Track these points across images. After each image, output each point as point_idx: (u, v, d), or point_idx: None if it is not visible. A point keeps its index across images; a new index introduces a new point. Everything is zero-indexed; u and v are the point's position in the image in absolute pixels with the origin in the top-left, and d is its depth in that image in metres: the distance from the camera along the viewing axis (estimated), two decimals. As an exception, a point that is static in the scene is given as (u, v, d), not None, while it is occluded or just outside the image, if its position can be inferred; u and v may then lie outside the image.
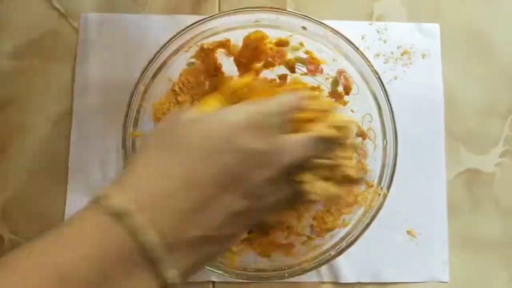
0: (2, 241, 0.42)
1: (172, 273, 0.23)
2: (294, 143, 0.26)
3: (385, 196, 0.35)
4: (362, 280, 0.43)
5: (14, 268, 0.21)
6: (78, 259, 0.21)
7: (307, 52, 0.40)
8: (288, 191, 0.27)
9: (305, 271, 0.35)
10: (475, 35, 0.47)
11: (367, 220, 0.35)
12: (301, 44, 0.39)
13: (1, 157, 0.43)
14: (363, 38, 0.46)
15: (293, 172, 0.27)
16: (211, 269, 0.34)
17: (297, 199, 0.28)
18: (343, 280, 0.42)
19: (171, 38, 0.37)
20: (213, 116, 0.26)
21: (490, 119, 0.46)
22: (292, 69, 0.40)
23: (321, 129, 0.28)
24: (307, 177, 0.27)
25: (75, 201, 0.42)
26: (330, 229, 0.37)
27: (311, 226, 0.40)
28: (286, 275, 0.35)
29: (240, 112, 0.26)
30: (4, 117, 0.44)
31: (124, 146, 0.35)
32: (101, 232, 0.22)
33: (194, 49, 0.38)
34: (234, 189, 0.25)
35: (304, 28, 0.37)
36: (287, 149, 0.26)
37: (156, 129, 0.28)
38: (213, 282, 0.42)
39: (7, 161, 0.43)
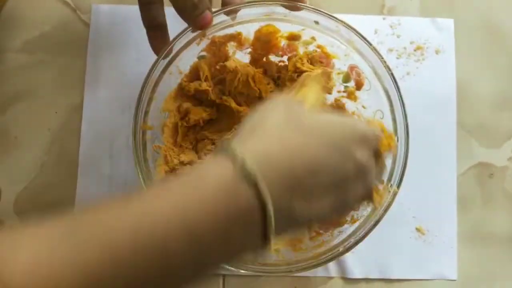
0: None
1: (273, 237, 0.25)
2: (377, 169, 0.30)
3: (395, 194, 0.35)
4: (370, 276, 0.43)
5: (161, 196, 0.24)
6: (204, 214, 0.23)
7: (318, 47, 0.39)
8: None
9: (313, 266, 0.35)
10: (489, 28, 0.46)
11: (376, 218, 0.34)
12: (313, 39, 0.39)
13: (13, 151, 0.44)
14: (376, 32, 0.45)
15: None
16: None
17: None
18: (351, 275, 0.42)
19: (183, 31, 0.37)
20: (334, 116, 0.30)
21: (503, 112, 0.46)
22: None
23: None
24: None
25: (85, 193, 0.43)
26: (338, 226, 0.37)
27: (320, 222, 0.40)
28: (294, 270, 0.35)
29: (358, 123, 0.30)
30: (16, 111, 0.44)
31: (134, 139, 0.35)
32: (230, 193, 0.24)
33: (205, 42, 0.38)
34: (337, 192, 0.27)
35: (316, 22, 0.37)
36: (372, 169, 0.29)
37: (274, 108, 0.29)
38: (223, 275, 0.42)
39: (19, 154, 0.44)
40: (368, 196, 0.30)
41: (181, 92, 0.39)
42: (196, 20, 0.35)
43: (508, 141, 0.45)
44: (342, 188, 0.27)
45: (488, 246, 0.44)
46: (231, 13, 0.36)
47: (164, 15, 0.38)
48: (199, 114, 0.39)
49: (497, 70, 0.46)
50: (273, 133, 0.26)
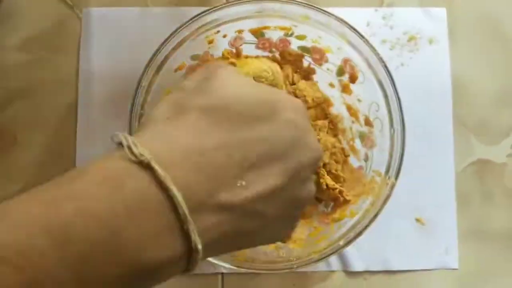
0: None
1: (197, 238, 0.20)
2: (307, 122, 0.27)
3: (393, 186, 0.35)
4: (371, 269, 0.43)
5: (8, 216, 0.19)
6: (82, 217, 0.18)
7: (311, 41, 0.39)
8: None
9: (313, 262, 0.35)
10: (486, 19, 0.46)
11: (375, 210, 0.34)
12: (306, 33, 0.39)
13: (11, 150, 0.44)
14: (368, 24, 0.45)
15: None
16: (217, 262, 0.34)
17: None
18: (352, 268, 0.42)
19: (175, 31, 0.36)
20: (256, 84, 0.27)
21: (502, 108, 0.45)
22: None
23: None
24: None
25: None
26: (338, 220, 0.37)
27: (319, 216, 0.40)
28: (295, 266, 0.35)
29: (284, 93, 0.28)
30: (14, 110, 0.44)
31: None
32: (120, 182, 0.20)
33: (196, 41, 0.38)
34: (277, 163, 0.23)
35: (308, 17, 0.37)
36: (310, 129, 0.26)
37: (190, 81, 0.26)
38: (222, 274, 0.42)
39: (16, 154, 0.44)
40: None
41: None
42: None
43: (507, 138, 0.45)
44: (285, 155, 0.23)
45: (487, 243, 0.44)
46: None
47: None
48: None
49: (495, 65, 0.46)
50: (184, 118, 0.23)
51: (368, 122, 0.39)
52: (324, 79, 0.41)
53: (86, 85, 0.44)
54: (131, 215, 0.19)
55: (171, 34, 0.36)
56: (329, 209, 0.40)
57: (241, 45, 0.40)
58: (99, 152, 0.43)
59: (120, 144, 0.21)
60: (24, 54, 0.45)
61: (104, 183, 0.20)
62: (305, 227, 0.39)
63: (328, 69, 0.40)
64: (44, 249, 0.17)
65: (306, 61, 0.40)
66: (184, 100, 0.24)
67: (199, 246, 0.20)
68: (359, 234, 0.35)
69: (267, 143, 0.23)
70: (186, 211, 0.20)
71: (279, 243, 0.37)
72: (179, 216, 0.20)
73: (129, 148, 0.20)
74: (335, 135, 0.41)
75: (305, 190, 0.25)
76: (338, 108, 0.41)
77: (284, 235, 0.27)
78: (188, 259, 0.21)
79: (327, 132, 0.40)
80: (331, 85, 0.40)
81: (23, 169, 0.43)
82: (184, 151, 0.21)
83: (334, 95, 0.41)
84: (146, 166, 0.20)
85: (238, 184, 0.21)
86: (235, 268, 0.36)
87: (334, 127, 0.41)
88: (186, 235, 0.20)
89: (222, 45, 0.39)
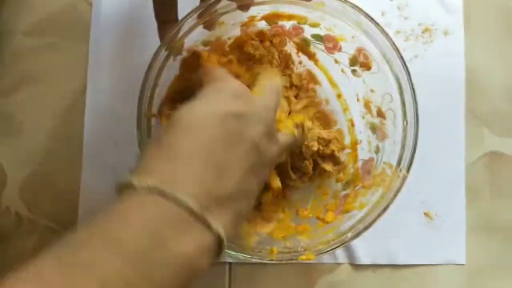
0: (21, 220, 0.43)
1: (216, 224, 0.26)
2: (264, 97, 0.32)
3: (404, 178, 0.34)
4: (377, 262, 0.42)
5: (83, 244, 0.24)
6: (133, 232, 0.24)
7: (325, 29, 0.38)
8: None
9: (321, 253, 0.35)
10: (500, 10, 0.45)
11: (385, 203, 0.34)
12: (320, 21, 0.38)
13: (19, 136, 0.43)
14: (383, 14, 0.44)
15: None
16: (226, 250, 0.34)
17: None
18: (358, 261, 0.42)
19: (187, 15, 0.36)
20: (191, 104, 0.30)
21: None
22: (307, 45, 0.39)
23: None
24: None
25: (91, 182, 0.42)
26: (347, 211, 0.37)
27: (326, 207, 0.39)
28: (303, 256, 0.35)
29: (213, 91, 0.30)
30: (21, 96, 0.44)
31: (139, 127, 0.34)
32: (147, 207, 0.25)
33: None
34: (237, 148, 0.28)
35: (323, 3, 0.36)
36: (264, 104, 0.31)
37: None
38: (230, 263, 0.42)
39: (24, 140, 0.43)
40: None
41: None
42: None
43: None
44: (239, 139, 0.28)
45: (497, 236, 0.43)
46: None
47: (177, 13, 0.37)
48: None
49: (510, 56, 0.45)
50: (162, 145, 0.28)
51: (380, 113, 0.38)
52: (336, 68, 0.40)
53: (95, 71, 0.44)
54: (164, 227, 0.25)
55: (183, 18, 0.36)
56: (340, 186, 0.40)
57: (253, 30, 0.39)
58: (107, 142, 0.43)
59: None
60: (34, 39, 0.44)
61: (136, 210, 0.26)
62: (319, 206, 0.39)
63: (341, 59, 0.39)
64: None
65: (318, 48, 0.40)
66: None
67: (221, 230, 0.26)
68: (368, 226, 0.34)
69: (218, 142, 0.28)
70: (202, 210, 0.26)
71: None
72: (198, 216, 0.26)
73: (140, 182, 0.26)
74: (327, 125, 0.40)
75: (268, 158, 0.31)
76: (348, 99, 0.40)
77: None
78: (218, 244, 0.27)
79: (312, 122, 0.40)
80: (341, 70, 0.40)
81: (31, 156, 0.43)
82: (180, 172, 0.27)
83: (345, 84, 0.40)
84: (159, 191, 0.26)
85: (224, 177, 0.27)
86: (241, 258, 0.35)
87: (323, 117, 0.41)
88: (208, 226, 0.26)
89: (234, 31, 0.39)
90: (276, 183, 0.37)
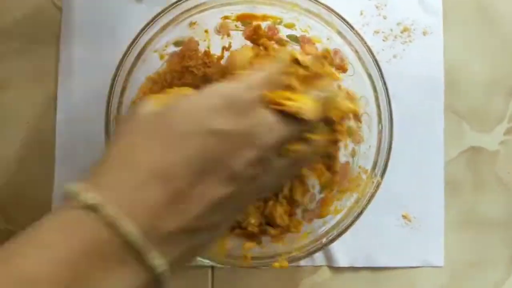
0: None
1: (159, 262, 0.21)
2: (271, 120, 0.24)
3: (378, 184, 0.34)
4: (355, 265, 0.42)
5: None
6: (45, 265, 0.20)
7: (300, 30, 0.37)
8: (285, 163, 0.26)
9: (296, 259, 0.34)
10: (479, 7, 0.45)
11: (360, 209, 0.34)
12: (295, 22, 0.37)
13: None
14: (361, 14, 0.44)
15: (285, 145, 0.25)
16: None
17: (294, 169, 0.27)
18: (336, 264, 0.42)
19: (157, 14, 0.35)
20: (179, 104, 0.24)
21: (494, 95, 0.44)
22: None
23: (304, 103, 0.25)
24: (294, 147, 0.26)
25: (63, 186, 0.41)
26: (321, 216, 0.36)
27: (303, 212, 0.39)
28: (277, 264, 0.34)
29: (206, 95, 0.24)
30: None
31: (107, 131, 0.33)
32: (73, 228, 0.21)
33: (181, 26, 0.36)
34: (213, 175, 0.23)
35: (297, 5, 0.35)
36: (264, 127, 0.24)
37: (125, 118, 0.27)
38: (212, 267, 0.41)
39: None
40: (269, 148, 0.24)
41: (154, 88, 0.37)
42: None
43: (499, 125, 0.44)
44: (214, 166, 0.23)
45: (479, 231, 0.43)
46: None
47: None
48: None
49: (488, 52, 0.45)
50: (120, 151, 0.23)
51: (356, 117, 0.37)
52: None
53: (66, 74, 0.42)
54: (90, 263, 0.20)
55: (153, 18, 0.35)
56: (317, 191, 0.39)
57: (228, 32, 0.38)
58: (79, 144, 0.42)
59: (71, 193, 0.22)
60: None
61: (58, 232, 0.21)
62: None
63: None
64: None
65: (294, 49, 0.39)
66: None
67: (165, 269, 0.22)
68: (342, 232, 0.34)
69: (187, 166, 0.22)
70: (144, 242, 0.21)
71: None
72: (135, 248, 0.21)
73: (77, 195, 0.22)
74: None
75: (251, 189, 0.25)
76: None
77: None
78: (157, 283, 0.22)
79: None
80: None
81: (4, 166, 0.42)
82: (127, 188, 0.22)
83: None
84: (95, 209, 0.21)
85: (180, 209, 0.22)
86: (216, 264, 0.35)
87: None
88: (146, 264, 0.21)
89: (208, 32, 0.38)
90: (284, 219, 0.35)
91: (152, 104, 0.25)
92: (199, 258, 0.34)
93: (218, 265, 0.34)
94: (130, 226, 0.21)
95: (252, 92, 0.24)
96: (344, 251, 0.42)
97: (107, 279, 0.20)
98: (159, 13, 0.35)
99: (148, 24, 0.35)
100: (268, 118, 0.24)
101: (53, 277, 0.19)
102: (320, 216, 0.37)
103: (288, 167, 0.26)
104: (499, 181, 0.44)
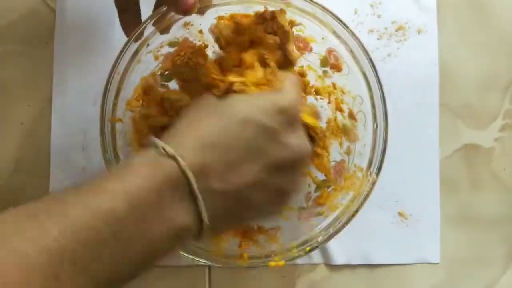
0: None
1: (205, 213, 0.27)
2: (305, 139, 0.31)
3: (374, 182, 0.34)
4: (352, 262, 0.42)
5: (64, 212, 0.24)
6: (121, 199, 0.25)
7: (295, 30, 0.37)
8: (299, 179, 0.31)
9: (292, 258, 0.35)
10: (474, 4, 0.45)
11: (356, 207, 0.34)
12: (291, 21, 0.37)
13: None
14: (356, 12, 0.44)
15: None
16: (185, 254, 0.34)
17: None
18: (332, 262, 0.42)
19: (151, 16, 0.35)
20: (239, 96, 0.30)
21: (489, 92, 0.45)
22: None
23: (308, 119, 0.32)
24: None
25: (59, 187, 0.42)
26: (317, 214, 0.36)
27: (299, 210, 0.39)
28: (273, 263, 0.34)
29: (261, 98, 0.30)
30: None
31: (102, 133, 0.33)
32: (156, 166, 0.26)
33: (177, 27, 0.36)
34: (258, 160, 0.28)
35: (291, 4, 0.35)
36: (303, 141, 0.31)
37: (194, 104, 0.31)
38: (209, 267, 0.42)
39: None
40: (297, 158, 0.30)
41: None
42: (178, 2, 0.32)
43: (494, 122, 0.44)
44: (261, 153, 0.28)
45: (475, 229, 0.44)
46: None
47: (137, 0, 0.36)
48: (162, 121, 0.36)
49: (483, 50, 0.45)
50: (192, 125, 0.29)
51: (352, 115, 0.38)
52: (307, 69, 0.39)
53: (61, 77, 0.42)
54: (162, 191, 0.26)
55: (146, 19, 0.34)
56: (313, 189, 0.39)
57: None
58: (75, 146, 0.42)
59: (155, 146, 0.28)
60: None
61: (144, 169, 0.27)
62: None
63: (311, 59, 0.39)
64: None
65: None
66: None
67: (205, 216, 0.27)
68: (338, 230, 0.34)
69: (242, 146, 0.28)
70: (197, 190, 0.26)
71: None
72: (196, 194, 0.26)
73: (163, 148, 0.27)
74: None
75: (288, 184, 0.30)
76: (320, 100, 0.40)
77: (270, 216, 0.33)
78: (198, 228, 0.27)
79: None
80: (318, 76, 0.39)
81: (1, 168, 0.42)
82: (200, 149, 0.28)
83: (318, 85, 0.40)
84: (173, 157, 0.27)
85: (228, 177, 0.28)
86: (211, 263, 0.35)
87: None
88: (195, 208, 0.27)
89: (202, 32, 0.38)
90: None
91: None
92: (195, 258, 0.34)
93: (215, 265, 0.34)
94: (191, 175, 0.26)
95: (295, 108, 0.30)
96: (340, 249, 0.42)
97: (172, 210, 0.26)
98: (154, 14, 0.35)
99: (142, 25, 0.34)
100: (304, 138, 0.31)
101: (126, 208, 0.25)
102: (316, 214, 0.37)
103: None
104: (494, 178, 0.44)
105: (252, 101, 0.29)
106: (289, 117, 0.29)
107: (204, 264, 0.40)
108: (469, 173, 0.44)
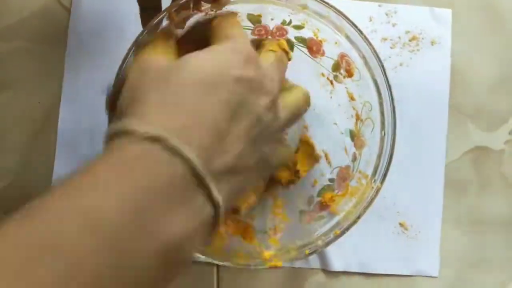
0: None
1: (219, 198, 0.23)
2: (271, 68, 0.29)
3: (378, 190, 0.34)
4: (349, 270, 0.42)
5: (41, 218, 0.20)
6: (114, 199, 0.19)
7: (309, 32, 0.37)
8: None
9: (291, 260, 0.35)
10: (487, 9, 0.45)
11: (358, 213, 0.34)
12: (304, 23, 0.37)
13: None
14: (370, 20, 0.44)
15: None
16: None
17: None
18: (330, 268, 0.42)
19: (163, 11, 0.35)
20: (194, 59, 0.25)
21: (500, 95, 0.44)
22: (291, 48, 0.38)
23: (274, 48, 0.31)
24: None
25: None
26: (319, 218, 0.36)
27: (301, 213, 0.39)
28: (271, 263, 0.34)
29: (220, 51, 0.27)
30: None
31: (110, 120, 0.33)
32: (143, 161, 0.21)
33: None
34: (245, 116, 0.25)
35: (306, 7, 0.35)
36: (270, 75, 0.28)
37: (144, 78, 0.26)
38: (217, 265, 0.41)
39: (3, 148, 0.42)
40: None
41: None
42: None
43: (505, 124, 0.44)
44: (244, 109, 0.25)
45: (482, 232, 0.43)
46: None
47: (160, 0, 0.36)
48: None
49: (494, 52, 0.44)
50: (158, 102, 0.24)
51: (360, 121, 0.37)
52: (318, 72, 0.39)
53: (72, 76, 0.43)
54: (161, 194, 0.21)
55: (160, 14, 0.34)
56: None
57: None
58: (82, 135, 0.42)
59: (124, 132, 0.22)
60: (5, 44, 0.43)
61: (121, 171, 0.21)
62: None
63: (323, 63, 0.39)
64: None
65: (301, 51, 0.39)
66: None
67: (220, 201, 0.23)
68: (338, 236, 0.34)
69: (224, 108, 0.24)
70: (209, 175, 0.22)
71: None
72: (205, 179, 0.22)
73: (135, 130, 0.22)
74: None
75: (270, 150, 0.28)
76: (328, 104, 0.40)
77: (270, 168, 0.32)
78: (213, 217, 0.23)
79: None
80: (327, 78, 0.39)
81: (10, 165, 0.42)
82: (181, 126, 0.23)
83: (328, 89, 0.40)
84: (160, 140, 0.21)
85: (224, 148, 0.24)
86: (213, 261, 0.35)
87: None
88: (212, 196, 0.22)
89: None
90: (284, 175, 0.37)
91: (163, 59, 0.27)
92: (197, 255, 0.34)
93: (216, 262, 0.34)
94: (196, 157, 0.21)
95: (251, 46, 0.28)
96: (337, 255, 0.42)
97: (179, 208, 0.21)
98: (165, 10, 0.34)
99: (157, 17, 0.34)
100: (271, 67, 0.29)
101: (120, 210, 0.19)
102: (318, 218, 0.37)
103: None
104: (504, 181, 0.44)
105: (205, 57, 0.26)
106: (244, 55, 0.26)
107: (211, 263, 0.40)
108: (479, 176, 0.43)
